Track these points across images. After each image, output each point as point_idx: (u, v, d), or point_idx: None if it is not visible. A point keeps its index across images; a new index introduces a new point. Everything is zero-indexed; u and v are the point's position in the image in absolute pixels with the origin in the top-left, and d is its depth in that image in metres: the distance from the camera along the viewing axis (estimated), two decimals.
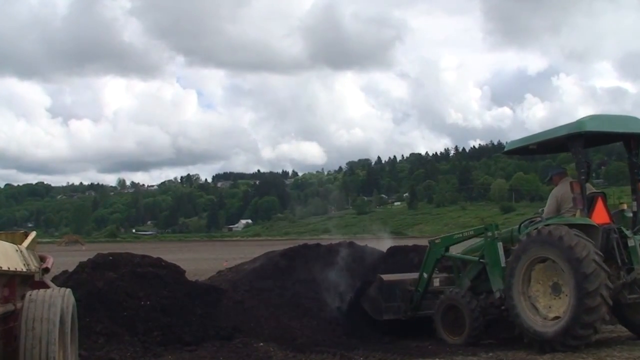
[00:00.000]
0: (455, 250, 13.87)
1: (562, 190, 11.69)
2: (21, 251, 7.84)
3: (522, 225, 12.40)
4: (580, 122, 11.27)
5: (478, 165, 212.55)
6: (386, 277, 13.89)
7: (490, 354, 11.09)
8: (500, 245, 12.11)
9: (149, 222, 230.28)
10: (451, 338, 12.38)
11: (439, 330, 12.61)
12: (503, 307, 11.83)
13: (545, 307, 11.09)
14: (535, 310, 11.14)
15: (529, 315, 11.09)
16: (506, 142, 13.27)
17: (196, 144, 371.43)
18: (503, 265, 11.83)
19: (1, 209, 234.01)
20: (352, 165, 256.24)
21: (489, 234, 12.39)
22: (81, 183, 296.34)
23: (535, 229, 11.24)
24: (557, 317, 10.85)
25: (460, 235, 13.88)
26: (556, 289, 11.01)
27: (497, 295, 11.89)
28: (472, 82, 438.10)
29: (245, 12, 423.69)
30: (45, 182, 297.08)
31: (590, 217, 11.18)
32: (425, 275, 13.39)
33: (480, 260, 12.55)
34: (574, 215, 11.33)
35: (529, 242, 11.13)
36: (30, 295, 6.77)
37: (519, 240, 11.52)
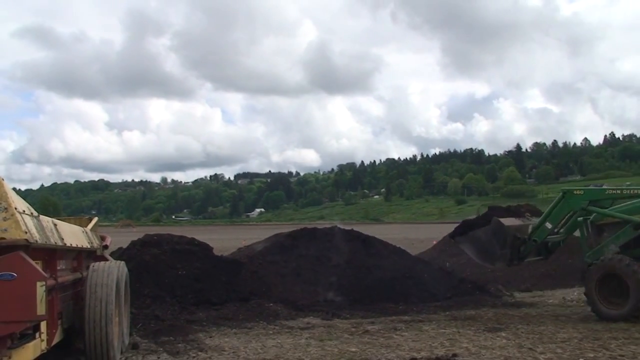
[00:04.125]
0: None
1: None
2: (86, 232, 7.85)
3: None
4: None
5: (438, 167, 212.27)
6: (506, 221, 10.95)
7: (447, 313, 11.10)
8: None
9: (185, 211, 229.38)
10: (609, 309, 9.49)
11: (594, 300, 9.61)
12: None
13: None
14: None
15: None
16: None
17: (221, 150, 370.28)
18: None
19: (71, 200, 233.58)
20: (341, 167, 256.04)
21: None
22: (133, 180, 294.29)
23: None
24: None
25: (617, 191, 10.67)
26: None
27: None
28: (433, 104, 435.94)
29: (258, 49, 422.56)
30: (105, 179, 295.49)
31: None
32: (548, 225, 10.64)
33: None
34: None
35: None
36: (93, 266, 6.78)
37: None
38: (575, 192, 10.62)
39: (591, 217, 10.70)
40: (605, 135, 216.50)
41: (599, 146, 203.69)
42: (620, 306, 9.39)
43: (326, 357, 7.67)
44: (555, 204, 10.74)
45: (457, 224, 11.93)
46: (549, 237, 10.95)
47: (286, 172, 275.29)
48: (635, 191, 10.50)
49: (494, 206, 12.21)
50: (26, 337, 4.93)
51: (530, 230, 10.93)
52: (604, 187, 11.35)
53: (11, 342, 4.63)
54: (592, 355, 7.43)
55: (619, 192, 10.65)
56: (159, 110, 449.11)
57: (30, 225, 5.02)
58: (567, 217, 10.84)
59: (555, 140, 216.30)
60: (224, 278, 12.16)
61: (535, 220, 11.30)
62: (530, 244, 10.77)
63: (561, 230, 11.13)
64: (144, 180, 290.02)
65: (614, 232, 10.17)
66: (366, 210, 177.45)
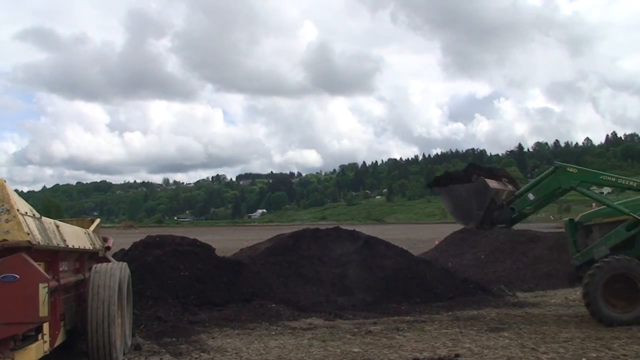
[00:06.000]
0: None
1: None
2: (89, 234, 7.85)
3: None
4: None
5: (440, 167, 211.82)
6: (490, 182, 10.14)
7: (450, 313, 11.09)
8: None
9: (187, 212, 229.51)
10: (616, 312, 8.96)
11: (598, 302, 8.99)
12: None
13: None
14: None
15: None
16: None
17: (223, 150, 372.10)
18: None
19: (74, 201, 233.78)
20: (343, 167, 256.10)
21: None
22: (135, 181, 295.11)
23: None
24: None
25: (613, 179, 9.92)
26: None
27: None
28: (434, 104, 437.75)
29: (259, 50, 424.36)
30: (107, 181, 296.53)
31: None
32: (531, 196, 10.01)
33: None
34: None
35: None
36: (95, 267, 6.78)
37: None
38: (568, 169, 9.95)
39: (578, 218, 10.43)
40: (607, 135, 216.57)
41: (600, 145, 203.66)
42: (625, 309, 8.91)
43: (329, 357, 7.66)
44: (544, 177, 10.21)
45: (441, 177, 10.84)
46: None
47: (288, 172, 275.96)
48: (630, 182, 9.89)
49: (475, 164, 11.28)
50: (29, 338, 4.93)
51: (504, 196, 10.29)
52: (601, 172, 10.25)
53: (14, 343, 4.63)
54: (594, 355, 7.41)
55: (613, 179, 9.95)
56: (161, 112, 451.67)
57: (33, 226, 5.02)
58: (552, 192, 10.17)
59: (557, 140, 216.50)
60: (226, 279, 12.16)
61: (510, 187, 10.74)
62: (507, 211, 10.10)
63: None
64: (146, 181, 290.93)
65: (603, 233, 9.76)
66: (368, 211, 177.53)
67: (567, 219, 10.63)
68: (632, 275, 8.93)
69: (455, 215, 10.39)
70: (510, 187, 10.72)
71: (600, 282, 8.99)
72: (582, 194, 10.12)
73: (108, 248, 8.77)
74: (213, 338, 9.01)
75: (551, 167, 10.21)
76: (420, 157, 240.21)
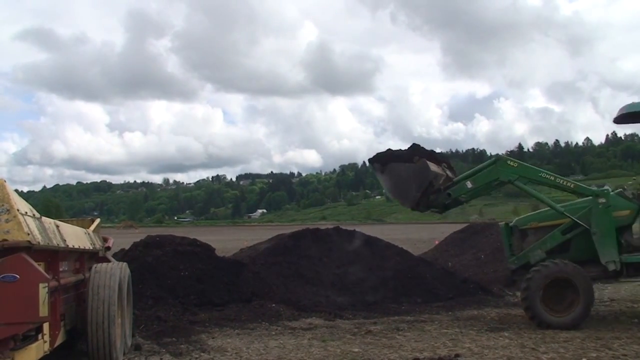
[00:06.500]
0: None
1: None
2: (89, 234, 7.85)
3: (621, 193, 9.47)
4: None
5: None
6: (432, 165, 10.01)
7: (450, 313, 11.08)
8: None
9: (187, 212, 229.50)
10: (555, 316, 9.01)
11: (536, 307, 9.03)
12: (622, 280, 9.56)
13: None
14: None
15: None
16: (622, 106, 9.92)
17: (223, 150, 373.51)
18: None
19: (74, 201, 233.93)
20: (343, 167, 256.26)
21: (602, 200, 9.31)
22: (135, 181, 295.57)
23: None
24: None
25: (552, 178, 9.84)
26: None
27: (612, 267, 9.20)
28: (434, 104, 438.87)
29: (259, 50, 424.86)
30: (107, 180, 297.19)
31: None
32: (469, 184, 9.98)
33: (574, 223, 9.42)
34: None
35: None
36: (95, 267, 6.78)
37: None
38: (509, 162, 9.95)
39: (513, 222, 10.43)
40: (607, 135, 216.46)
41: (600, 145, 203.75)
42: (562, 313, 8.99)
43: (329, 357, 7.66)
44: (484, 167, 10.21)
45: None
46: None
47: (288, 172, 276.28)
48: (568, 183, 9.92)
49: (418, 145, 10.95)
50: (29, 338, 4.93)
51: (442, 181, 10.24)
52: (541, 170, 10.19)
53: (14, 343, 4.63)
54: (594, 354, 7.41)
55: (552, 179, 9.84)
56: (160, 112, 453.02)
57: (33, 226, 5.02)
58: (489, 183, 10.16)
59: (557, 140, 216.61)
60: (226, 279, 12.14)
61: (449, 173, 10.71)
62: (443, 195, 10.00)
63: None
64: (146, 181, 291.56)
65: (538, 237, 9.81)
66: (368, 211, 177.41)
67: (502, 222, 10.67)
68: (571, 278, 8.98)
69: (392, 193, 10.23)
70: (448, 173, 10.70)
71: (539, 286, 9.03)
72: (520, 188, 10.05)
73: (108, 248, 8.77)
74: (213, 338, 9.01)
75: (492, 158, 10.25)
76: None
